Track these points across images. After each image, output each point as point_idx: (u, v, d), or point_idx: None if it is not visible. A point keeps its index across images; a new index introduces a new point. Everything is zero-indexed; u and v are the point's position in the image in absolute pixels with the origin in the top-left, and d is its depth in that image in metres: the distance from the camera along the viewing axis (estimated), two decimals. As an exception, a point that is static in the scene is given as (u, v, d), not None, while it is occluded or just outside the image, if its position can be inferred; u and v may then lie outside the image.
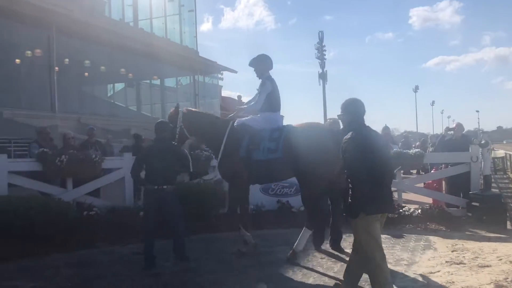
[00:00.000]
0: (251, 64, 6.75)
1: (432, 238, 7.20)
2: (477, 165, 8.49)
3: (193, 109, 7.28)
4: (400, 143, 14.00)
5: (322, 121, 10.41)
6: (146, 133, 12.84)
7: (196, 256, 6.41)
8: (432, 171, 10.58)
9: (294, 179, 6.75)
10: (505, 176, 19.04)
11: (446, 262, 5.79)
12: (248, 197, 6.81)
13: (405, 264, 5.78)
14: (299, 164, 6.06)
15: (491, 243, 6.68)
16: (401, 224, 7.95)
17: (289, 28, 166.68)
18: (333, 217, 6.45)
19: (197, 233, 7.49)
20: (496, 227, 7.53)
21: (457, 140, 9.18)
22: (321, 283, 5.23)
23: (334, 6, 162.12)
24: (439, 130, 58.05)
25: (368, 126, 4.31)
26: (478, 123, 73.56)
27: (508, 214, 8.25)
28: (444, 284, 5.01)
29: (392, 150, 8.95)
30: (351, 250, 4.62)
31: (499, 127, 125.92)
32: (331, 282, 5.21)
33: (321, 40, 31.92)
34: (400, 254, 6.25)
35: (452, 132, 9.66)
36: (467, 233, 7.47)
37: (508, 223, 7.97)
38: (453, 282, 5.03)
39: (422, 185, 10.08)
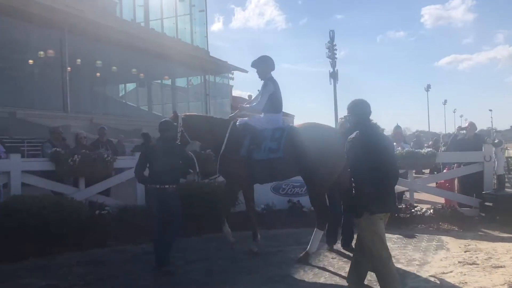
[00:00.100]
0: (253, 65, 6.82)
1: (445, 238, 7.14)
2: (491, 164, 8.40)
3: (192, 113, 7.34)
4: (412, 143, 13.92)
5: (333, 121, 10.39)
6: (157, 133, 12.90)
7: (208, 255, 6.45)
8: (444, 171, 10.49)
9: (305, 179, 6.74)
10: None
11: (459, 262, 5.74)
12: (253, 196, 6.87)
13: (417, 264, 5.74)
14: (301, 163, 6.09)
15: (504, 244, 6.60)
16: (413, 224, 7.90)
17: (300, 27, 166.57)
18: (344, 217, 6.43)
19: (209, 232, 7.52)
20: (509, 227, 7.43)
21: (470, 140, 9.09)
22: (332, 282, 5.21)
23: (345, 5, 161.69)
24: (451, 129, 57.57)
25: (374, 127, 4.35)
26: (492, 122, 72.48)
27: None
28: (456, 284, 4.96)
29: (403, 150, 8.91)
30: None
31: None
32: (342, 282, 5.18)
33: (332, 39, 31.89)
34: (412, 254, 6.21)
35: (464, 131, 9.57)
36: (480, 233, 7.40)
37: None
38: (466, 282, 4.99)
39: (434, 184, 10.00)
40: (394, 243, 6.88)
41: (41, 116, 15.22)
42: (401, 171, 9.07)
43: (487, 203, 7.96)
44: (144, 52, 19.92)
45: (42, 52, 17.24)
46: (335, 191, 6.30)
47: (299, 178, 6.91)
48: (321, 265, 5.85)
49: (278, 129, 6.41)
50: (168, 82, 25.97)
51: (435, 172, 11.87)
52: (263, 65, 6.74)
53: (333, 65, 31.77)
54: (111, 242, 7.14)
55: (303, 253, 6.08)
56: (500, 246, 6.47)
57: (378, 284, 4.27)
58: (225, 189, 6.92)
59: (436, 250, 6.45)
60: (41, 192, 7.63)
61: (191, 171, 6.40)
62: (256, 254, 6.36)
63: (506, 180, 10.70)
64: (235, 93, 33.87)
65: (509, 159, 21.65)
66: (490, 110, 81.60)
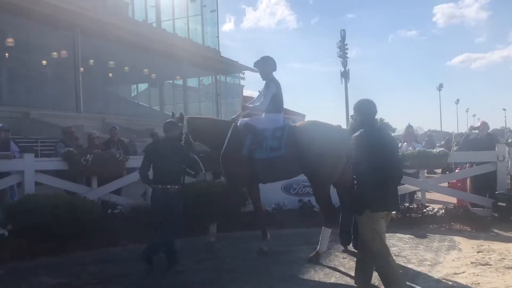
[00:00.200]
0: (255, 66, 6.90)
1: (457, 238, 7.08)
2: (504, 164, 8.31)
3: (195, 116, 7.46)
4: (424, 142, 13.82)
5: (344, 120, 10.36)
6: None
7: (218, 254, 6.47)
8: (456, 171, 10.41)
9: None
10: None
11: (471, 263, 5.69)
12: (259, 195, 6.92)
13: (428, 265, 5.70)
14: (302, 161, 6.13)
15: (518, 244, 6.54)
16: (424, 224, 7.84)
17: (311, 27, 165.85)
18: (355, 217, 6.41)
19: (218, 231, 7.53)
20: (523, 228, 7.37)
21: (482, 139, 9.00)
22: (343, 282, 5.19)
23: (357, 4, 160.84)
24: (463, 129, 57.02)
25: (380, 127, 4.39)
26: (505, 121, 71.73)
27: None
28: (469, 285, 4.92)
29: (415, 149, 8.86)
30: None
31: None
32: (353, 282, 5.17)
33: (343, 38, 31.78)
34: (424, 254, 6.17)
35: (477, 131, 9.48)
36: (492, 233, 7.32)
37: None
38: (478, 283, 4.94)
39: (446, 184, 9.92)
40: (405, 243, 6.85)
41: (54, 116, 15.39)
42: (412, 170, 9.07)
43: (500, 203, 7.86)
44: (156, 52, 20.04)
45: (55, 53, 17.44)
46: (344, 191, 6.30)
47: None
48: (332, 265, 5.83)
49: (278, 128, 6.47)
50: (180, 82, 26.11)
51: (447, 172, 11.77)
52: (265, 66, 6.81)
53: (344, 64, 31.65)
54: (123, 241, 7.19)
55: (314, 252, 6.07)
56: (513, 246, 6.40)
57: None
58: (226, 189, 6.96)
59: (448, 250, 6.41)
60: (54, 191, 7.72)
61: (192, 172, 6.43)
62: (266, 254, 6.37)
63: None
64: (246, 92, 33.85)
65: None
66: (504, 109, 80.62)
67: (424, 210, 8.11)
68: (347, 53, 31.83)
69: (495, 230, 7.47)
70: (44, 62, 17.88)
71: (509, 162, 8.47)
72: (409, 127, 11.13)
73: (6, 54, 16.81)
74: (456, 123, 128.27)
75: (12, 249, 6.38)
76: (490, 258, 5.86)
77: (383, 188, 4.14)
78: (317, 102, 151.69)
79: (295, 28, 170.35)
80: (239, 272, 5.67)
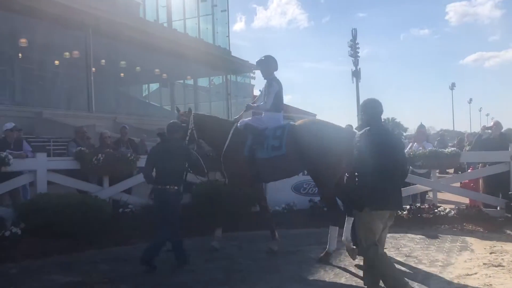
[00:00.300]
0: (257, 65, 6.96)
1: (469, 239, 7.02)
2: (517, 164, 8.21)
3: (200, 113, 7.56)
4: (436, 142, 13.72)
5: (355, 120, 10.34)
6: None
7: (229, 254, 6.48)
8: (469, 171, 10.32)
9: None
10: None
11: (484, 264, 5.64)
12: (264, 195, 7.00)
13: (440, 265, 5.66)
14: (303, 159, 6.15)
15: (531, 245, 6.46)
16: (436, 225, 7.79)
17: (322, 26, 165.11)
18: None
19: (230, 231, 7.55)
20: (537, 229, 7.28)
21: (495, 139, 8.91)
22: (353, 283, 5.17)
23: (368, 3, 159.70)
24: (476, 128, 56.41)
25: (385, 126, 4.44)
26: (519, 121, 70.89)
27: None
28: (481, 287, 4.88)
29: (426, 149, 8.80)
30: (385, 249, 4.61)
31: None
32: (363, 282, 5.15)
33: (354, 37, 31.71)
34: (435, 255, 6.12)
35: (489, 130, 9.38)
36: (505, 234, 7.25)
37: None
38: (491, 285, 4.89)
39: (458, 184, 9.84)
40: (416, 243, 6.81)
41: (66, 115, 15.49)
42: (424, 170, 9.01)
43: (513, 204, 7.78)
44: (167, 52, 20.07)
45: (67, 53, 17.57)
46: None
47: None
48: (342, 265, 5.82)
49: (279, 127, 6.49)
50: (191, 82, 26.14)
51: (460, 172, 11.67)
52: (267, 65, 6.85)
53: (356, 63, 31.60)
54: (134, 239, 7.23)
55: (324, 252, 6.06)
56: (526, 248, 6.33)
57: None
58: (229, 190, 6.98)
59: (460, 251, 6.35)
60: (66, 191, 7.80)
61: (192, 172, 6.44)
62: (276, 253, 6.38)
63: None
64: (257, 92, 33.73)
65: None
66: (518, 109, 79.59)
67: (436, 210, 8.06)
68: (358, 52, 31.83)
69: (508, 231, 7.40)
70: (56, 62, 18.03)
71: (523, 162, 8.36)
72: (421, 126, 11.08)
73: (20, 55, 16.97)
74: (469, 122, 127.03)
75: (24, 247, 6.45)
76: (503, 259, 5.80)
77: (384, 187, 4.17)
78: (329, 102, 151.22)
79: (306, 27, 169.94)
80: (250, 271, 5.68)
